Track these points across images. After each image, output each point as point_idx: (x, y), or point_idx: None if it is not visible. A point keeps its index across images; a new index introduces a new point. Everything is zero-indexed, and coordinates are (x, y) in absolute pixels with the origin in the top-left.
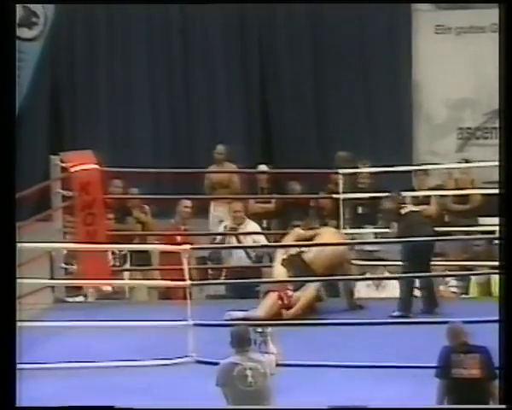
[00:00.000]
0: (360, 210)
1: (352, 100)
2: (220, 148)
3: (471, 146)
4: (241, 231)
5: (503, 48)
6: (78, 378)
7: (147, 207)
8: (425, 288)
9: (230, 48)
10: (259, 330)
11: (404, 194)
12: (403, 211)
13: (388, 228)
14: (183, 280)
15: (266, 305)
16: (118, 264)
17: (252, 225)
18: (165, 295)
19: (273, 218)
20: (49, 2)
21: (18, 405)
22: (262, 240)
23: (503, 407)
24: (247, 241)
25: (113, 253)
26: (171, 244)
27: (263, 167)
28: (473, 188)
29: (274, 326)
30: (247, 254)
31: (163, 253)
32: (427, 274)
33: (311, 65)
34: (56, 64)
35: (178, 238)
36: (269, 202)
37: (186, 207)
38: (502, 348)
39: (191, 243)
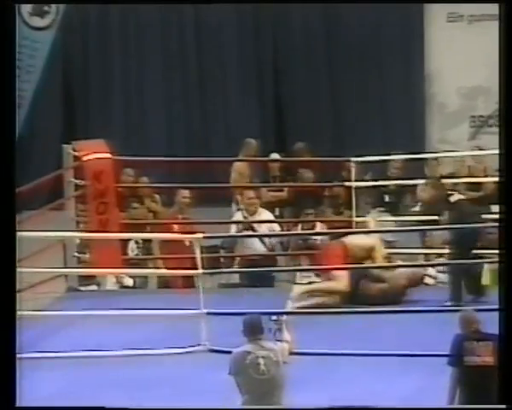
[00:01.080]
0: (387, 198)
1: (365, 90)
2: (250, 141)
3: (483, 134)
4: (254, 219)
5: (503, 48)
6: (91, 368)
7: (157, 196)
8: (471, 276)
9: (245, 43)
10: (274, 317)
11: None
12: (452, 199)
13: (431, 215)
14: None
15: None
16: (140, 254)
17: (266, 214)
18: (166, 284)
19: (285, 206)
20: (49, 2)
21: (19, 405)
22: (276, 228)
23: (503, 406)
24: (262, 229)
25: (136, 242)
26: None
27: (275, 156)
28: (485, 176)
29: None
30: (262, 241)
31: (165, 242)
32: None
33: (324, 57)
34: (69, 53)
35: (176, 227)
36: (281, 191)
37: (184, 197)
38: (502, 347)
39: (195, 232)
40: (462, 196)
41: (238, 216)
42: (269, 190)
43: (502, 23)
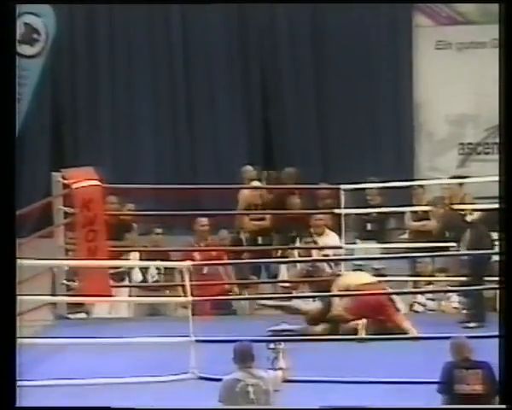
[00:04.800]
0: (369, 226)
1: (354, 117)
2: (248, 168)
3: (472, 161)
4: (322, 241)
5: (503, 48)
6: (80, 396)
7: (134, 224)
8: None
9: (232, 62)
10: (272, 346)
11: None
12: (469, 219)
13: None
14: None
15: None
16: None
17: (332, 235)
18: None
19: (269, 234)
20: (49, 3)
21: (18, 405)
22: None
23: (503, 406)
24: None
25: (157, 268)
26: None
27: (256, 183)
28: (462, 203)
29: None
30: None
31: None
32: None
33: (313, 83)
34: (58, 80)
35: (197, 255)
36: (263, 219)
37: (203, 225)
38: (501, 347)
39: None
40: (476, 217)
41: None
42: (251, 219)
43: (502, 23)
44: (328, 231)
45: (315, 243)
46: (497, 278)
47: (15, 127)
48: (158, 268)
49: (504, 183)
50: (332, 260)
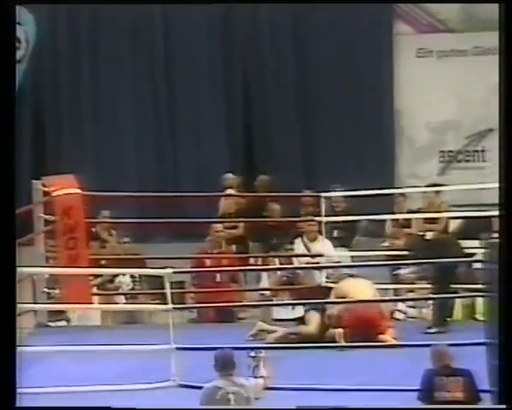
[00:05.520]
0: (336, 233)
1: (335, 124)
2: (228, 176)
3: (452, 169)
4: (315, 247)
5: (503, 48)
6: (60, 403)
7: (114, 231)
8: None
9: (214, 67)
10: (253, 354)
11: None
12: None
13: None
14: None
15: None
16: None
17: (325, 242)
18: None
19: (243, 242)
20: (49, 3)
21: (18, 405)
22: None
23: (503, 406)
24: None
25: (132, 276)
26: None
27: (230, 191)
28: (438, 211)
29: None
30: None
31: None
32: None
33: (295, 90)
34: (39, 88)
35: (208, 262)
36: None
37: (217, 231)
38: (501, 346)
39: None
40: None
41: (299, 244)
42: (224, 228)
43: (502, 23)
44: (320, 237)
45: (307, 248)
46: (476, 286)
47: (15, 128)
48: (133, 276)
49: (504, 189)
50: (312, 267)
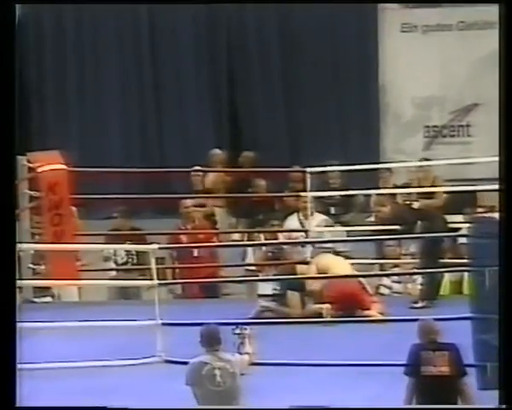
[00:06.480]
0: (333, 210)
1: (320, 99)
2: (216, 151)
3: (437, 144)
4: (309, 223)
5: (503, 48)
6: (45, 380)
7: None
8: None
9: (199, 48)
10: (237, 331)
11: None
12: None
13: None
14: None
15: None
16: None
17: (320, 217)
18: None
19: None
20: (49, 3)
21: (18, 405)
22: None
23: (503, 407)
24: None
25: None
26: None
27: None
28: (433, 186)
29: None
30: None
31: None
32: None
33: (280, 66)
34: (24, 64)
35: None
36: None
37: (186, 207)
38: (501, 346)
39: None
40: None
41: (294, 220)
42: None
43: (502, 23)
44: (316, 213)
45: (302, 225)
46: (462, 261)
47: (15, 126)
48: (127, 251)
49: (504, 164)
50: (300, 242)
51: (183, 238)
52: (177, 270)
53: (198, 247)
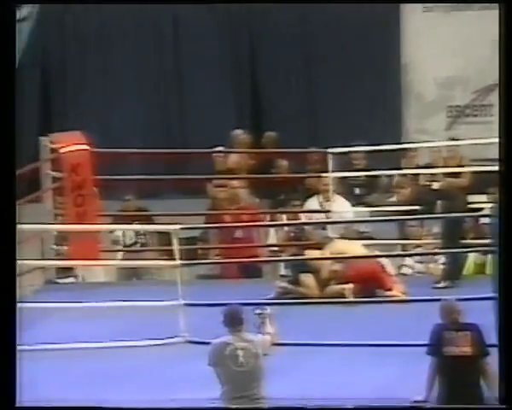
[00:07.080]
0: (357, 191)
1: (342, 80)
2: (238, 132)
3: (460, 124)
4: (330, 206)
5: (503, 48)
6: (69, 360)
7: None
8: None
9: (221, 27)
10: (258, 311)
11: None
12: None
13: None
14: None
15: None
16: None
17: (341, 200)
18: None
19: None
20: (49, 2)
21: (18, 405)
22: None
23: (503, 407)
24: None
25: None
26: None
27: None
28: (460, 166)
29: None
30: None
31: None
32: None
33: (301, 47)
34: (46, 45)
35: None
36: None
37: (233, 187)
38: (500, 346)
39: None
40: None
41: (314, 202)
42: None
43: (502, 23)
44: (336, 196)
45: (322, 207)
46: (484, 241)
47: (15, 126)
48: (137, 232)
49: (504, 145)
50: (322, 222)
51: (226, 218)
52: (208, 251)
53: (220, 227)
